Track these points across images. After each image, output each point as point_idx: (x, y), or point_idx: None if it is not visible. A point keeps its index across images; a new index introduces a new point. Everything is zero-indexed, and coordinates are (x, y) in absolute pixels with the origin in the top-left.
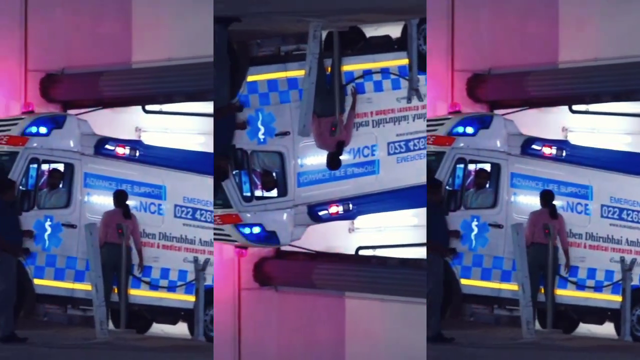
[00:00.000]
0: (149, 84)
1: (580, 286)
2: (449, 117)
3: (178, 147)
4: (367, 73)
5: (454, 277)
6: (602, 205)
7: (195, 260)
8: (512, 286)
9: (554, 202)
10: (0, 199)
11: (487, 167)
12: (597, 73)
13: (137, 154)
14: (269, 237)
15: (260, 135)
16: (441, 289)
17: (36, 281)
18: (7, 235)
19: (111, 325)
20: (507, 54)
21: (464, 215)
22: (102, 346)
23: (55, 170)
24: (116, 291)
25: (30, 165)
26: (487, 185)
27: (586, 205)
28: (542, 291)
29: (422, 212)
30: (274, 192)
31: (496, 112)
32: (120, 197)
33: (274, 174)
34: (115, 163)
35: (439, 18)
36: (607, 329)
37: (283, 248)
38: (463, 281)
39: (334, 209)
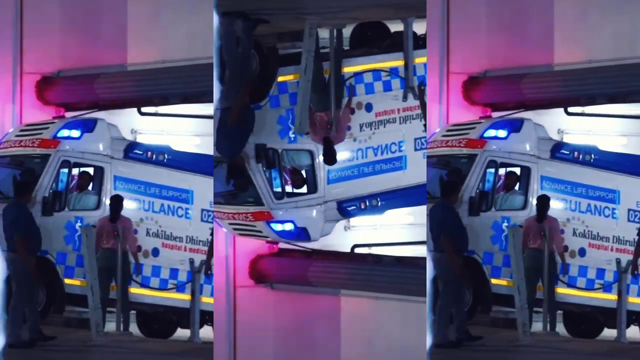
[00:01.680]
0: (145, 86)
1: (607, 289)
2: (481, 121)
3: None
4: (394, 72)
5: (484, 277)
6: (629, 210)
7: (192, 261)
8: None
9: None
10: (19, 201)
11: (517, 170)
12: (592, 75)
13: (165, 158)
14: (300, 233)
15: (291, 135)
16: (455, 289)
17: (66, 280)
18: (24, 238)
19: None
20: (503, 56)
21: (494, 217)
22: (98, 349)
23: (84, 173)
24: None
25: (61, 169)
26: (517, 188)
27: (613, 209)
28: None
29: (418, 210)
30: (304, 189)
31: (494, 114)
32: (110, 202)
33: (303, 172)
34: (143, 167)
35: (434, 19)
36: (634, 332)
37: (280, 245)
38: (493, 281)
39: (363, 205)
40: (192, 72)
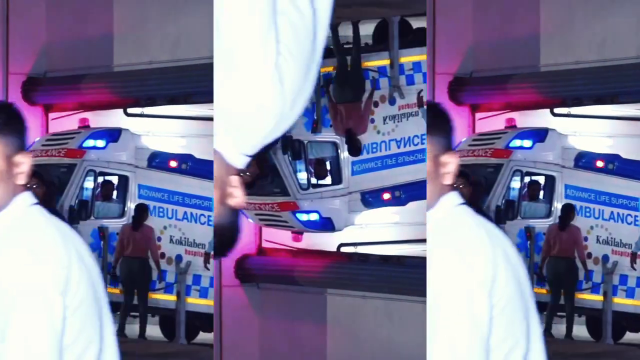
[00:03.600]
0: (131, 87)
1: (630, 294)
2: (506, 131)
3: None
4: (417, 66)
5: None
6: None
7: (178, 261)
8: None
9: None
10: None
11: (541, 179)
12: (579, 76)
13: (188, 166)
14: (325, 223)
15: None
16: None
17: None
18: None
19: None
20: (489, 56)
21: (520, 225)
22: None
23: (108, 182)
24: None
25: (87, 178)
26: (541, 197)
27: (636, 216)
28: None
29: (404, 209)
30: (328, 180)
31: (478, 114)
32: (134, 211)
33: (327, 163)
34: (166, 176)
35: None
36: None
37: (264, 245)
38: None
39: (386, 196)
40: (179, 73)
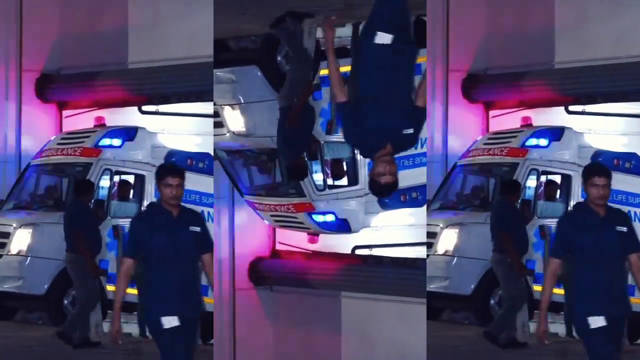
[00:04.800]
0: (146, 84)
1: None
2: (522, 129)
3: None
4: None
5: (527, 283)
6: None
7: None
8: None
9: None
10: (78, 201)
11: (557, 178)
12: (593, 73)
13: (205, 165)
14: (341, 224)
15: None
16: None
17: (108, 287)
18: (88, 239)
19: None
20: (503, 53)
21: (536, 224)
22: (99, 349)
23: (124, 181)
24: None
25: (103, 177)
26: (558, 196)
27: None
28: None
29: (419, 211)
30: (344, 181)
31: (492, 112)
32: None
33: (344, 164)
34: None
35: (434, 15)
36: None
37: (278, 247)
38: (535, 287)
39: (402, 197)
40: (194, 71)
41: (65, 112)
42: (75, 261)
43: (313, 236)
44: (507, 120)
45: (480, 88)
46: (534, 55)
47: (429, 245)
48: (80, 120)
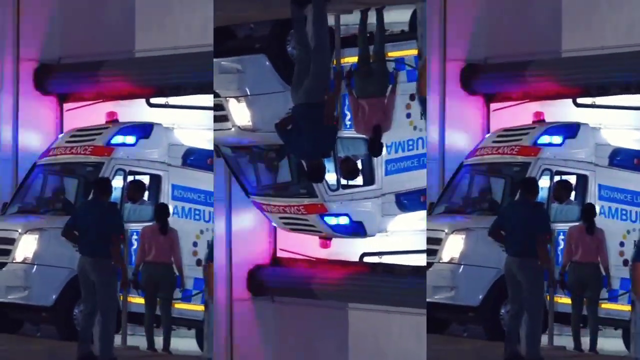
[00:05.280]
0: (154, 74)
1: None
2: (534, 126)
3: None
4: None
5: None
6: None
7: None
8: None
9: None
10: (99, 200)
11: (572, 178)
12: (604, 63)
13: None
14: (355, 227)
15: (347, 121)
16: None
17: (130, 298)
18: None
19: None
20: (505, 41)
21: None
22: None
23: (136, 182)
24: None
25: (116, 176)
26: (573, 198)
27: None
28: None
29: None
30: (359, 181)
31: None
32: (158, 212)
33: (358, 161)
34: (203, 175)
35: (431, 3)
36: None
37: (279, 254)
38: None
39: (422, 198)
40: (206, 60)
41: (66, 105)
42: (102, 268)
43: (325, 240)
44: (509, 113)
45: (481, 78)
46: (539, 43)
47: (433, 252)
48: (84, 114)
